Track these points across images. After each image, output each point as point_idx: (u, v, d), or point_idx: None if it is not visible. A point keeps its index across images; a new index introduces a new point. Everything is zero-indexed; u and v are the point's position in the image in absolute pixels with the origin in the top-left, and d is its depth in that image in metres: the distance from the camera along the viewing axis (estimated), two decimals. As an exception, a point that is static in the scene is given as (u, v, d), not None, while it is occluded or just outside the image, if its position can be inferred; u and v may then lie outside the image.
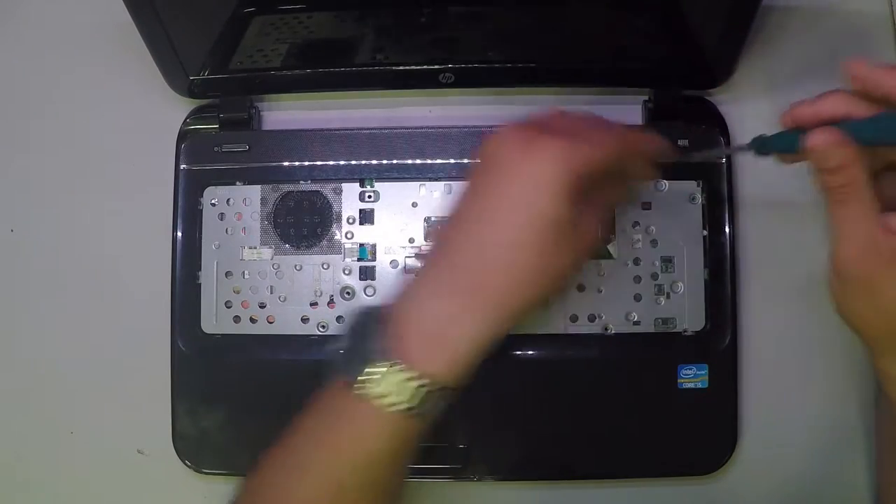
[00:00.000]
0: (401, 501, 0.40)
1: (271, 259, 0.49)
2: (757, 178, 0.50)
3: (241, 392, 0.48)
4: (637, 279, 0.48)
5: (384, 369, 0.36)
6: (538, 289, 0.37)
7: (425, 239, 0.49)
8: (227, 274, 0.49)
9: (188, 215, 0.49)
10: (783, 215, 0.50)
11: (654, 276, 0.48)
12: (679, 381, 0.47)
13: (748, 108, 0.50)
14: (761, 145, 0.39)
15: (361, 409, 0.36)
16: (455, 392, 0.38)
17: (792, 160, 0.39)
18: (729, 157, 0.49)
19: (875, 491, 0.48)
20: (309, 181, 0.49)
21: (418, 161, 0.49)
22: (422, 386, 0.36)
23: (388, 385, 0.36)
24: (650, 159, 0.41)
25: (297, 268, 0.49)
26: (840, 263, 0.38)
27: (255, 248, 0.49)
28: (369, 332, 0.37)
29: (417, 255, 0.49)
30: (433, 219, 0.49)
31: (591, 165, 0.36)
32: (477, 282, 0.37)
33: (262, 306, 0.49)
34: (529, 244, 0.36)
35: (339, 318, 0.49)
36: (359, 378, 0.36)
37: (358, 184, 0.49)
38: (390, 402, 0.36)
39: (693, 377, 0.47)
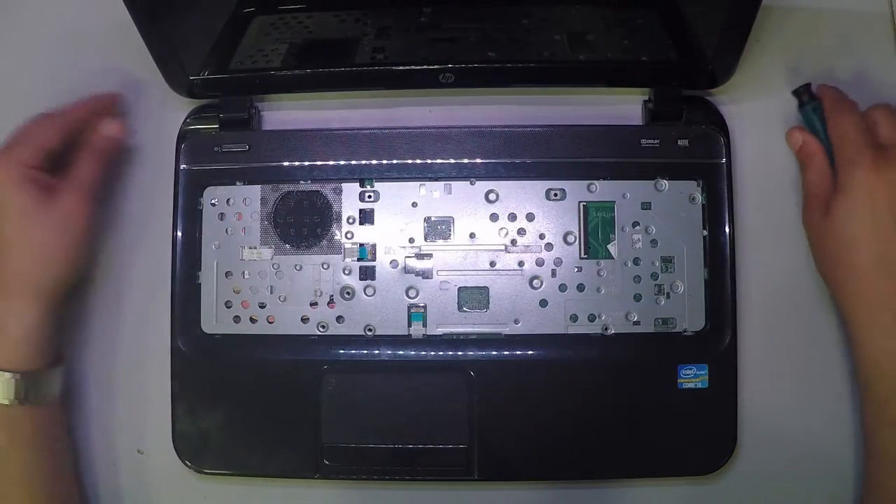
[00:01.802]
0: (60, 497, 0.47)
1: (271, 259, 0.49)
2: (757, 178, 0.50)
3: (241, 392, 0.48)
4: (637, 279, 0.48)
5: None
6: (44, 267, 0.45)
7: (425, 239, 0.49)
8: (227, 274, 0.49)
9: (188, 215, 0.49)
10: (783, 215, 0.50)
11: (654, 276, 0.48)
12: (679, 381, 0.48)
13: (748, 108, 0.50)
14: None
15: None
16: (46, 371, 0.45)
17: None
18: (729, 157, 0.49)
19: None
20: (309, 181, 0.49)
21: (418, 161, 0.49)
22: (6, 377, 0.43)
23: None
24: (102, 116, 0.48)
25: (297, 268, 0.49)
26: (803, 218, 0.48)
27: (255, 248, 0.49)
28: None
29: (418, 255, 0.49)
30: (433, 218, 0.49)
31: (32, 151, 0.45)
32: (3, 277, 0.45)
33: (262, 306, 0.49)
34: (12, 235, 0.45)
35: (338, 318, 0.49)
36: None
37: (358, 184, 0.49)
38: None
39: (693, 377, 0.48)
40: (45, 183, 0.46)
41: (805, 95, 0.48)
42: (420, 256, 0.49)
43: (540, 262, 0.49)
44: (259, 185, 0.49)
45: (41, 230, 0.45)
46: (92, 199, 0.47)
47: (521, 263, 0.49)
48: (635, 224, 0.49)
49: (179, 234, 0.49)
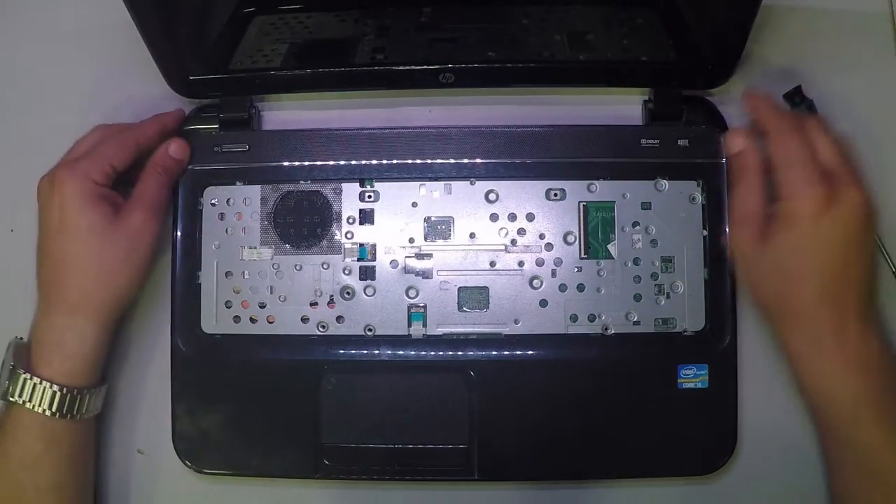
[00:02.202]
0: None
1: (271, 259, 0.49)
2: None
3: (241, 392, 0.48)
4: (637, 279, 0.48)
5: (20, 380, 0.44)
6: (109, 285, 0.45)
7: (425, 239, 0.49)
8: (227, 274, 0.49)
9: (188, 215, 0.49)
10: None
11: (654, 276, 0.48)
12: (679, 381, 0.48)
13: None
14: None
15: (13, 415, 0.44)
16: (92, 389, 0.45)
17: None
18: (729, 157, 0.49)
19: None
20: (309, 181, 0.49)
21: (418, 161, 0.49)
22: (54, 390, 0.44)
23: (26, 393, 0.43)
24: (165, 135, 0.48)
25: (297, 268, 0.49)
26: (732, 237, 0.46)
27: (255, 248, 0.49)
28: (9, 350, 0.45)
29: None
30: (433, 218, 0.49)
31: (102, 168, 0.45)
32: (60, 294, 0.45)
33: (262, 306, 0.49)
34: (78, 251, 0.44)
35: (338, 318, 0.49)
36: (3, 390, 0.44)
37: (358, 184, 0.49)
38: (32, 406, 0.43)
39: (693, 377, 0.48)
40: (113, 200, 0.46)
41: (797, 97, 0.48)
42: (420, 256, 0.49)
43: (540, 262, 0.49)
44: (259, 185, 0.49)
45: (109, 248, 0.45)
46: (159, 218, 0.47)
47: (521, 263, 0.49)
48: (635, 224, 0.49)
49: (179, 234, 0.49)
